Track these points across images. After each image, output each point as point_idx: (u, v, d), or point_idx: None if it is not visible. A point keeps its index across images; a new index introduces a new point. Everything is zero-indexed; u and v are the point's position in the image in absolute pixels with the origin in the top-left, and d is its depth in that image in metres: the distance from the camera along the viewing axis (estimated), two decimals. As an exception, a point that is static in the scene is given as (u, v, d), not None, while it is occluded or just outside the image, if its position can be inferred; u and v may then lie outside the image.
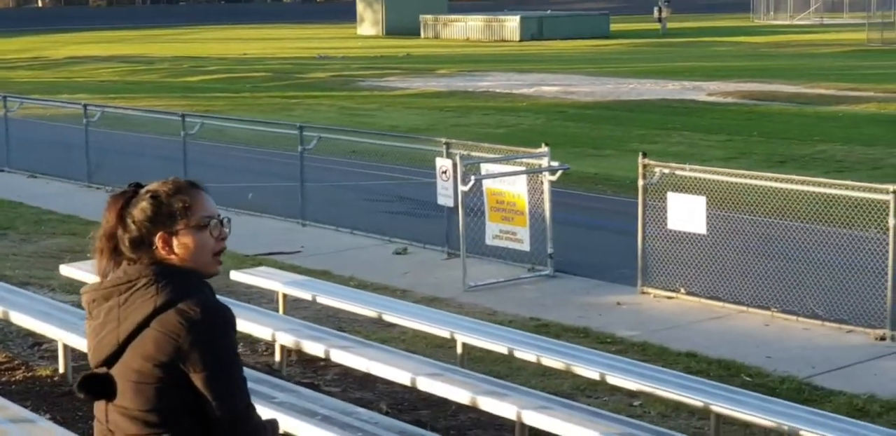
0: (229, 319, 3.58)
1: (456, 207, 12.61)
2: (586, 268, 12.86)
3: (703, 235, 11.35)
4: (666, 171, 11.59)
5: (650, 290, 11.78)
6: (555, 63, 48.82)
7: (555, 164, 12.48)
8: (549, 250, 12.61)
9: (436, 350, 9.37)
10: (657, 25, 68.01)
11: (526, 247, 12.68)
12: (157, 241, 3.62)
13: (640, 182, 11.73)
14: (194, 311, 3.51)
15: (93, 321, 3.69)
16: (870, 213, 10.40)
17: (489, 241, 12.98)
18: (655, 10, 68.85)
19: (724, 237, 11.37)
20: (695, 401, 6.58)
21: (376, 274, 12.89)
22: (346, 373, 8.84)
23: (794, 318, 10.78)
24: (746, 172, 11.57)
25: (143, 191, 3.69)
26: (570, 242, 13.13)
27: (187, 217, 3.63)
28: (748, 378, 9.22)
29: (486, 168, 12.60)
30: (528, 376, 8.75)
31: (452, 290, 12.15)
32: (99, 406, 3.70)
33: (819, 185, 10.64)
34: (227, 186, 17.09)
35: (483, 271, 12.72)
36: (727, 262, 11.38)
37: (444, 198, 13.18)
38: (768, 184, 10.98)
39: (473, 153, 13.11)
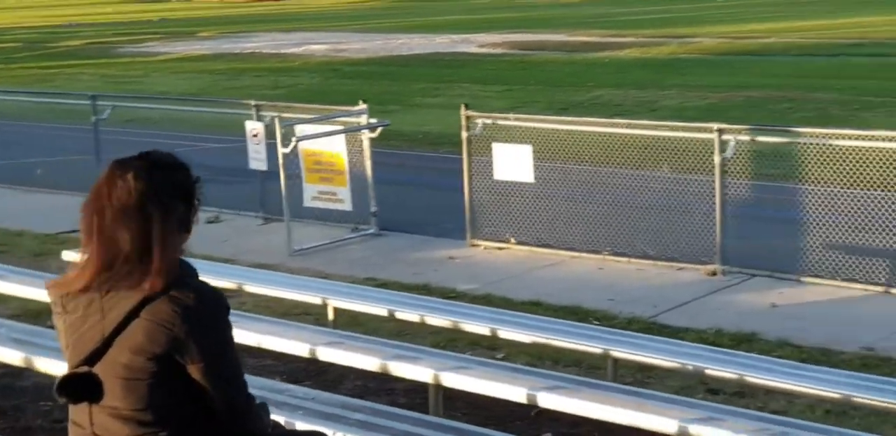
0: (224, 304, 3.32)
1: (270, 171, 12.33)
2: (410, 225, 12.79)
3: (529, 185, 11.41)
4: (488, 121, 11.59)
5: (480, 242, 11.80)
6: (317, 21, 48.46)
7: (374, 120, 12.33)
8: (373, 209, 12.48)
9: (305, 317, 9.10)
10: (412, -21, 68.08)
11: (348, 206, 12.51)
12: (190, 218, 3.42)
13: (464, 134, 11.70)
14: (188, 297, 3.22)
15: (68, 316, 3.34)
16: (691, 153, 10.63)
17: (307, 203, 12.76)
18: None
19: (550, 186, 11.48)
20: (593, 348, 6.61)
21: (194, 244, 12.46)
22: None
23: (626, 260, 10.98)
24: (570, 119, 11.69)
25: (165, 157, 3.47)
26: (390, 202, 13.02)
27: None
28: (596, 322, 9.33)
29: (301, 129, 12.35)
30: (416, 338, 8.59)
31: (278, 255, 11.90)
32: (80, 410, 3.35)
33: (644, 127, 10.82)
34: (13, 162, 16.37)
35: (305, 234, 12.49)
36: (555, 210, 11.49)
37: (257, 162, 12.89)
38: (594, 129, 11.09)
39: (285, 114, 12.82)
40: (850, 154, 9.94)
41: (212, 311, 3.28)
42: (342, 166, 12.42)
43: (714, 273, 10.50)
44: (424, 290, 10.44)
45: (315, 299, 8.22)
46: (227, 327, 3.33)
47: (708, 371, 6.20)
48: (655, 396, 5.72)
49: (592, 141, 11.12)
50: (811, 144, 9.96)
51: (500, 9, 51.35)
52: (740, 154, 10.27)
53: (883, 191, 9.86)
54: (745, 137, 10.21)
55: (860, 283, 9.85)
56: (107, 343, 3.24)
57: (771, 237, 10.78)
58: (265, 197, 13.31)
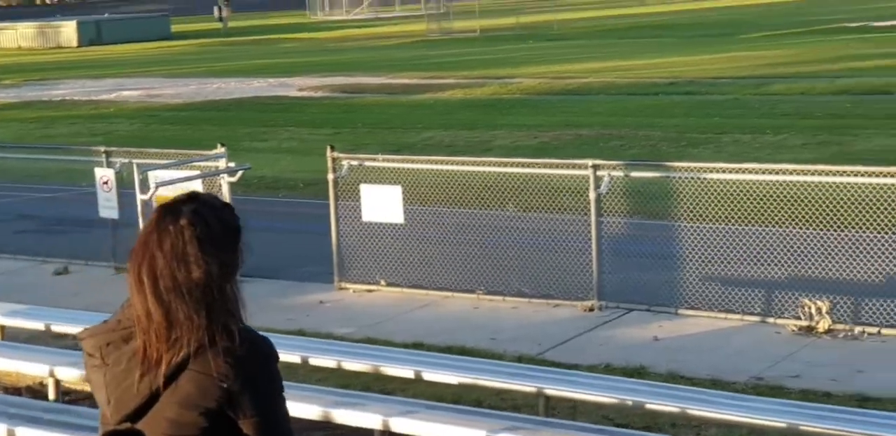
0: (275, 353, 3.09)
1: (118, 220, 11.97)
2: (273, 271, 12.51)
3: (399, 226, 11.30)
4: (354, 163, 11.44)
5: (348, 285, 11.61)
6: (125, 67, 47.53)
7: (233, 164, 12.05)
8: (236, 255, 12.16)
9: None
10: (219, 25, 67.67)
11: (206, 253, 12.16)
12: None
13: (330, 176, 11.52)
14: (241, 347, 2.99)
15: (110, 369, 3.06)
16: (565, 190, 10.69)
17: (163, 250, 12.36)
18: (216, 9, 68.52)
19: (420, 227, 11.38)
20: (525, 387, 6.49)
21: (43, 298, 11.97)
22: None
23: (501, 298, 10.93)
24: (441, 158, 11.62)
25: (213, 199, 3.29)
26: (252, 247, 12.72)
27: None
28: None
29: (155, 175, 11.97)
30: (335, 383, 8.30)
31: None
32: None
33: (517, 166, 10.83)
34: None
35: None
36: (425, 250, 11.40)
37: (108, 210, 12.47)
38: (465, 168, 11.05)
39: (137, 160, 12.43)
40: (721, 187, 10.11)
41: (265, 361, 3.06)
42: (200, 212, 12.07)
43: (591, 309, 10.53)
44: (300, 335, 10.20)
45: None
46: (279, 379, 3.11)
47: (648, 405, 6.16)
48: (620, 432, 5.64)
49: (459, 180, 11.09)
50: (684, 178, 10.10)
51: (310, 52, 51.19)
52: (615, 190, 10.36)
53: (755, 226, 10.06)
54: (619, 173, 10.30)
55: (737, 313, 10.00)
56: (155, 397, 2.99)
57: (646, 272, 10.88)
58: (117, 246, 12.86)
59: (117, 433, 3.06)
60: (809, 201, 10.20)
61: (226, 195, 12.07)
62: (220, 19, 67.04)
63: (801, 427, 5.75)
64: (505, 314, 10.64)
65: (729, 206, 10.21)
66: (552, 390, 6.34)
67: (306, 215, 15.43)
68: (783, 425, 5.84)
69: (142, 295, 3.03)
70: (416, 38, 56.18)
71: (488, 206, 11.85)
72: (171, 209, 3.07)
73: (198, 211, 3.06)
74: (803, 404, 6.50)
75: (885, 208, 9.81)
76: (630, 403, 6.18)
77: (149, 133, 26.57)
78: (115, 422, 3.07)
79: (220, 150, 12.01)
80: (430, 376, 6.84)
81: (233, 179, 11.99)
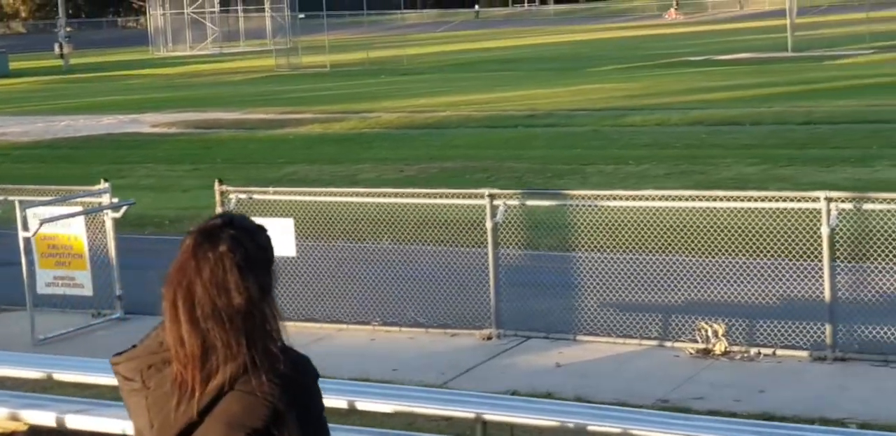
0: (315, 371, 3.07)
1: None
2: (156, 308, 12.25)
3: (289, 259, 11.18)
4: (243, 196, 11.31)
5: (239, 320, 11.42)
6: (-34, 106, 46.29)
7: (117, 200, 11.81)
8: (118, 292, 11.92)
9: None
10: (60, 62, 66.46)
11: (88, 291, 11.89)
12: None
13: (219, 209, 11.35)
14: (286, 365, 2.96)
15: (152, 391, 2.99)
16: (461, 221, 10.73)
17: (42, 289, 12.03)
18: (56, 46, 67.25)
19: (310, 260, 11.29)
20: (463, 413, 6.46)
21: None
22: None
23: (398, 329, 10.90)
24: (334, 190, 11.55)
25: (247, 221, 3.29)
26: (132, 283, 12.46)
27: None
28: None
29: (34, 212, 11.66)
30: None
31: (20, 345, 11.14)
32: None
33: (412, 196, 10.83)
34: None
35: (43, 322, 11.76)
36: (316, 283, 11.30)
37: (-18, 249, 12.11)
38: (360, 199, 11.01)
39: (11, 197, 12.09)
40: (616, 214, 10.27)
41: (309, 380, 3.03)
42: (81, 249, 11.79)
43: (489, 337, 10.56)
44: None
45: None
46: (321, 396, 3.07)
47: (590, 427, 6.19)
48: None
49: (345, 213, 11.06)
50: (580, 205, 10.24)
51: (157, 89, 50.60)
52: (511, 219, 10.44)
53: (653, 254, 10.23)
54: (515, 202, 10.38)
55: (635, 338, 10.13)
56: (200, 419, 2.93)
57: (543, 300, 10.95)
58: (-11, 285, 12.51)
59: None
60: (703, 227, 10.42)
61: (109, 232, 11.83)
62: (62, 56, 65.85)
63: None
64: (403, 345, 10.60)
65: (624, 233, 10.36)
66: (490, 416, 6.34)
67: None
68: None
69: (176, 323, 2.97)
70: (265, 74, 55.98)
71: (381, 237, 11.83)
72: (208, 235, 3.01)
73: (236, 237, 3.01)
74: (748, 421, 6.61)
75: (773, 233, 10.08)
76: (571, 425, 6.21)
77: (2, 172, 25.88)
78: None
79: (104, 185, 11.77)
80: (364, 405, 6.79)
81: (117, 215, 11.75)
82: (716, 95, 33.61)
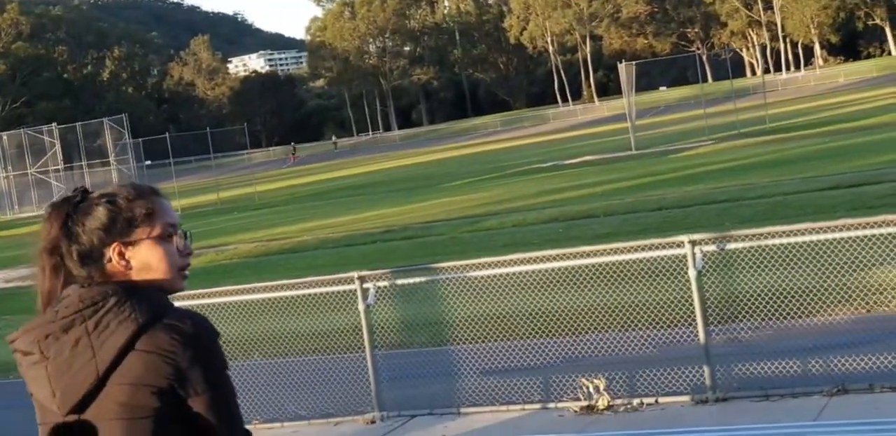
0: (216, 330, 3.02)
1: None
2: None
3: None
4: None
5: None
6: None
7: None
8: (-11, 421, 11.55)
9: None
10: None
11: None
12: (112, 253, 3.01)
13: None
14: (185, 323, 2.93)
15: (52, 360, 2.93)
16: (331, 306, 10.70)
17: None
18: None
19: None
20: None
21: None
22: None
23: (280, 424, 10.72)
24: (207, 291, 11.41)
25: (94, 195, 3.07)
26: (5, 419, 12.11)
27: (150, 225, 3.06)
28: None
29: None
30: None
31: None
32: None
33: (285, 288, 10.79)
34: None
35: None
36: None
37: None
38: (232, 298, 10.92)
39: None
40: (486, 283, 10.34)
41: (211, 337, 2.99)
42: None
43: (373, 421, 10.46)
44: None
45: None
46: (223, 354, 3.03)
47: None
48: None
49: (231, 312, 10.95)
50: (449, 279, 10.30)
51: (9, 248, 49.74)
52: (383, 299, 10.44)
53: (524, 318, 10.29)
54: (384, 282, 10.40)
55: (517, 403, 10.12)
56: (102, 382, 2.89)
57: (425, 382, 10.89)
58: None
59: (66, 427, 2.93)
60: (572, 285, 10.55)
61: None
62: None
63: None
64: (285, 440, 10.44)
65: (495, 301, 10.43)
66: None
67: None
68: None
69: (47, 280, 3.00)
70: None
71: (252, 354, 11.71)
72: (68, 199, 3.09)
73: (105, 200, 3.10)
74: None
75: (643, 282, 10.23)
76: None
77: None
78: (65, 412, 2.94)
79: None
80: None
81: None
82: (568, 194, 34.28)
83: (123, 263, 3.03)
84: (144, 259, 3.05)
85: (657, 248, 9.92)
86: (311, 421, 10.67)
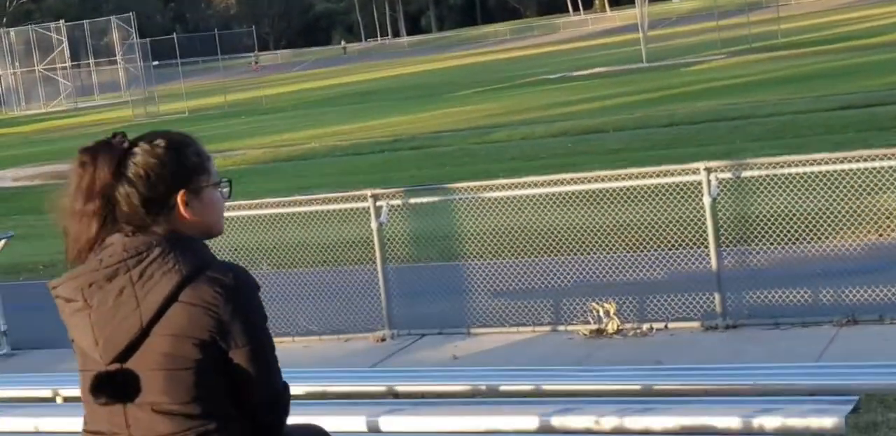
0: (255, 280, 3.05)
1: None
2: (45, 342, 12.00)
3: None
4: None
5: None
6: None
7: (-6, 233, 11.56)
8: (3, 328, 11.64)
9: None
10: None
11: (-31, 330, 11.59)
12: (178, 200, 3.01)
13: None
14: (227, 276, 2.96)
15: (95, 309, 2.96)
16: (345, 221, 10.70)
17: (-84, 331, 11.72)
18: None
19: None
20: (377, 387, 6.43)
21: None
22: None
23: (290, 339, 10.80)
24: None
25: (145, 141, 3.05)
26: (16, 319, 12.19)
27: (208, 173, 3.09)
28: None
29: None
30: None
31: None
32: (111, 412, 2.99)
33: (296, 204, 10.82)
34: None
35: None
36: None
37: None
38: (246, 212, 10.93)
39: None
40: (500, 205, 10.34)
41: (252, 290, 3.03)
42: (-43, 288, 11.51)
43: (383, 339, 10.53)
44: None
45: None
46: (263, 307, 3.07)
47: (503, 387, 6.19)
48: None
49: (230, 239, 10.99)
50: (463, 199, 10.29)
51: (15, 146, 49.71)
52: (396, 217, 10.45)
53: (537, 238, 10.30)
54: (398, 201, 10.39)
55: (528, 326, 10.18)
56: (145, 332, 2.93)
57: (435, 301, 10.92)
58: None
59: (109, 375, 2.97)
60: (584, 208, 10.54)
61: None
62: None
63: (655, 387, 5.92)
64: (298, 353, 10.49)
65: (508, 222, 10.44)
66: (402, 387, 6.34)
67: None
68: (638, 387, 6.00)
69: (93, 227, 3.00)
70: (124, 123, 55.30)
71: (260, 263, 11.74)
72: (111, 145, 3.07)
73: (165, 145, 3.11)
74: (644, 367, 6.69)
75: (656, 208, 10.23)
76: (484, 387, 6.21)
77: None
78: (107, 361, 2.98)
79: (-25, 220, 11.47)
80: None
81: (-7, 249, 11.49)
82: (577, 108, 34.12)
83: (187, 209, 3.02)
84: (203, 206, 3.06)
85: (672, 174, 9.89)
86: (322, 337, 10.74)
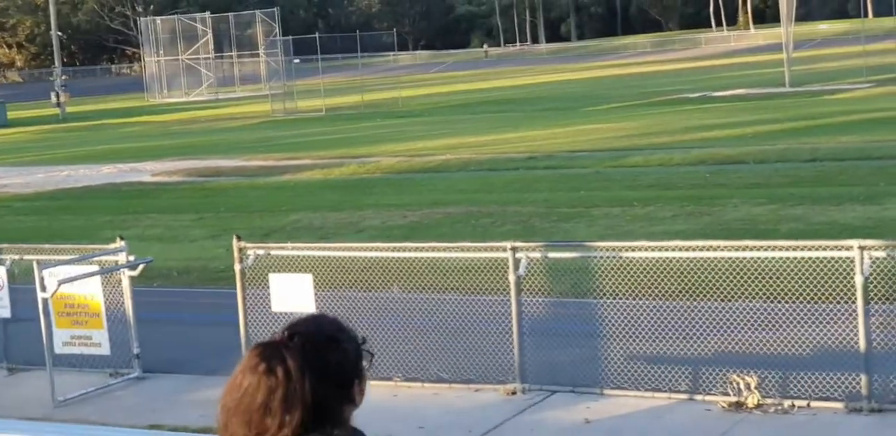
0: None
1: (14, 317, 11.53)
2: (177, 365, 12.13)
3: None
4: (261, 252, 11.18)
5: (259, 378, 11.28)
6: (-37, 157, 46.24)
7: (133, 258, 11.69)
8: (136, 351, 11.78)
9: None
10: (56, 111, 66.52)
11: (105, 351, 11.75)
12: (356, 388, 2.92)
13: (237, 266, 11.23)
14: None
15: None
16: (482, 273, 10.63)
17: (59, 349, 11.90)
18: (53, 94, 67.28)
19: (329, 313, 11.16)
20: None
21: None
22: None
23: (420, 384, 10.74)
24: (355, 245, 11.45)
25: (316, 336, 2.94)
26: (149, 340, 12.34)
27: (364, 358, 2.98)
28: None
29: (51, 272, 11.53)
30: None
31: (41, 407, 11.00)
32: None
33: (432, 250, 10.74)
34: None
35: (61, 383, 11.63)
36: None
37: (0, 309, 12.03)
38: (380, 254, 10.91)
39: (28, 256, 11.98)
40: (641, 264, 10.16)
41: None
42: (97, 308, 11.67)
43: (514, 392, 10.41)
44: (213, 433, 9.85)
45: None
46: None
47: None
48: None
49: (372, 266, 10.94)
50: (603, 257, 10.13)
51: (154, 136, 50.60)
52: (533, 271, 10.33)
53: (676, 301, 10.10)
54: (537, 254, 10.28)
55: (664, 392, 9.98)
56: None
57: (568, 351, 10.80)
58: (9, 345, 12.38)
59: None
60: (729, 275, 10.30)
61: (126, 290, 11.70)
62: (58, 105, 65.89)
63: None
64: (427, 401, 10.45)
65: (647, 282, 10.25)
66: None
67: (208, 305, 15.17)
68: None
69: None
70: (261, 119, 56.03)
71: (392, 286, 11.70)
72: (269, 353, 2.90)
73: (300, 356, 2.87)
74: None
75: (803, 280, 9.95)
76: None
77: (5, 225, 25.73)
78: None
79: (120, 243, 11.64)
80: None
81: (134, 274, 11.62)
82: (716, 133, 33.62)
83: (360, 397, 2.93)
84: (363, 390, 2.96)
85: (824, 249, 9.62)
86: (452, 385, 10.66)
